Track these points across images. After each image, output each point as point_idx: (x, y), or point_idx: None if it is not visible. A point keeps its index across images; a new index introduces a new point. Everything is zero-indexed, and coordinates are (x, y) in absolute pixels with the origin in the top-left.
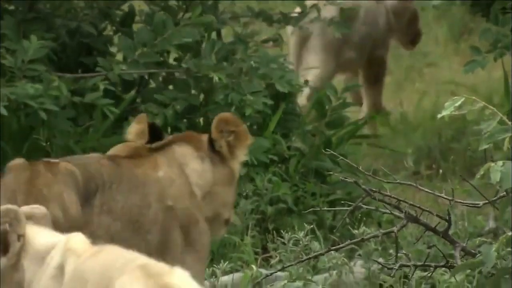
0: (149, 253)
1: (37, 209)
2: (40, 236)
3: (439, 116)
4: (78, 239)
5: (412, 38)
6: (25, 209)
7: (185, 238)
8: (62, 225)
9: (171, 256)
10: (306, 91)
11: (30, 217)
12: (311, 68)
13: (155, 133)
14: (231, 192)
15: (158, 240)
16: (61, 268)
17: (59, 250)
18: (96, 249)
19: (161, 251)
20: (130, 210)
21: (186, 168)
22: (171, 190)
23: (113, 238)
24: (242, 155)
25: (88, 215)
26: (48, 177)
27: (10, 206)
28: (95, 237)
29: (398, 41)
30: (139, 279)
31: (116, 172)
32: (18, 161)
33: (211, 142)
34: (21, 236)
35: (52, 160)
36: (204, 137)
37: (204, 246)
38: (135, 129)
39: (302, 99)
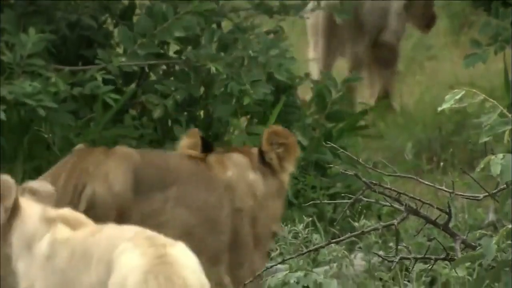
0: (222, 251)
1: (45, 186)
2: (33, 217)
3: (439, 109)
4: (63, 229)
5: (427, 22)
6: (33, 184)
7: (253, 238)
8: (107, 202)
9: (243, 256)
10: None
11: (34, 193)
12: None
13: (206, 147)
14: (280, 204)
15: (230, 240)
16: (50, 258)
17: (45, 241)
18: (93, 228)
19: (234, 251)
20: (207, 208)
21: (244, 174)
22: (239, 193)
23: (188, 232)
24: (291, 167)
25: (162, 204)
26: (99, 158)
27: (5, 177)
28: (169, 228)
29: (414, 25)
30: (141, 246)
31: (196, 170)
32: (80, 146)
33: (261, 154)
34: (7, 209)
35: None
36: (254, 150)
37: (267, 245)
38: (187, 143)
39: None
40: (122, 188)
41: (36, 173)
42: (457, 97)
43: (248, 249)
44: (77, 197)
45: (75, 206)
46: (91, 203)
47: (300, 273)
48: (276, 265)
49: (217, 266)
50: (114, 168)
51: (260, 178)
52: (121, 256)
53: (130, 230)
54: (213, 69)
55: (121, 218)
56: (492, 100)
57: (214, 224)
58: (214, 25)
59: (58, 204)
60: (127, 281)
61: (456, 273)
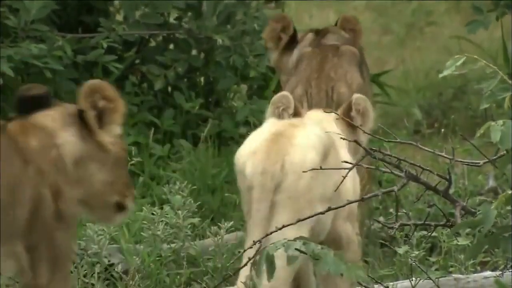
0: None
1: None
2: None
3: (440, 75)
4: None
5: None
6: None
7: None
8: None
9: None
10: None
11: None
12: None
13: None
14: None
15: None
16: None
17: None
18: None
19: None
20: None
21: None
22: None
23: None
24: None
25: (367, 84)
26: (334, 61)
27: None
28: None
29: None
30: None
31: None
32: (308, 49)
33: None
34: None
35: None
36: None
37: None
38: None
39: None
40: (359, 83)
41: None
42: (458, 63)
43: None
44: (330, 99)
45: (330, 107)
46: (339, 103)
47: (299, 242)
48: (275, 231)
49: None
50: (348, 68)
51: None
52: None
53: None
54: (219, 41)
55: None
56: (493, 66)
57: None
58: None
59: (316, 107)
60: None
61: (457, 240)
